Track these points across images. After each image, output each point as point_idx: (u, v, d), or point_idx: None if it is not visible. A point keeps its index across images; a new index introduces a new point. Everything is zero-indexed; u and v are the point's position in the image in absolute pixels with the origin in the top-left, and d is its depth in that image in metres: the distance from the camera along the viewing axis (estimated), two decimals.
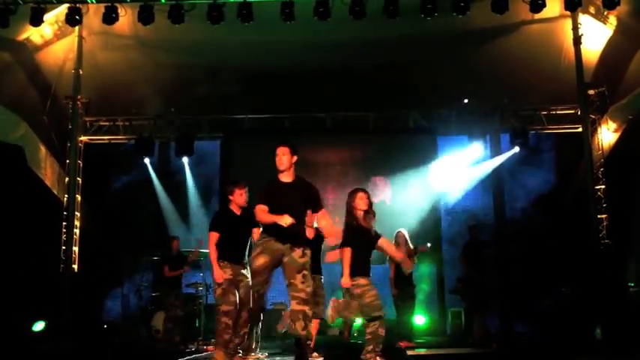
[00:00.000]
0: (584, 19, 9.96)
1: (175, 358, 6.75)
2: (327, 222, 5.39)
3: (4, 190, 9.41)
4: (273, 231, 5.06)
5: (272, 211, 5.03)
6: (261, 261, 5.09)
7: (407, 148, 11.33)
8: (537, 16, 9.42)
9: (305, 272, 5.06)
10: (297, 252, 5.08)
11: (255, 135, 11.29)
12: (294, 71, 10.37)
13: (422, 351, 7.83)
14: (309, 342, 5.36)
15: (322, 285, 6.61)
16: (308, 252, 5.16)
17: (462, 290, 9.15)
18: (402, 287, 8.40)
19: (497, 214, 11.01)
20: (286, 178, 5.21)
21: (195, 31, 9.50)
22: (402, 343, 8.05)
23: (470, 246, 9.15)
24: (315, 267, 6.18)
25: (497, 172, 11.15)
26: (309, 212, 5.37)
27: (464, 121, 11.16)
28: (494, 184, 11.23)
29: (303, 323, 4.96)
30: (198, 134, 11.45)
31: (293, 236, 5.05)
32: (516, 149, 10.90)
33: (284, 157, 5.16)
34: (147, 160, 11.43)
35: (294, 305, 5.02)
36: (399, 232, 8.44)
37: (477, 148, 11.12)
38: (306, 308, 4.99)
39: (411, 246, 8.37)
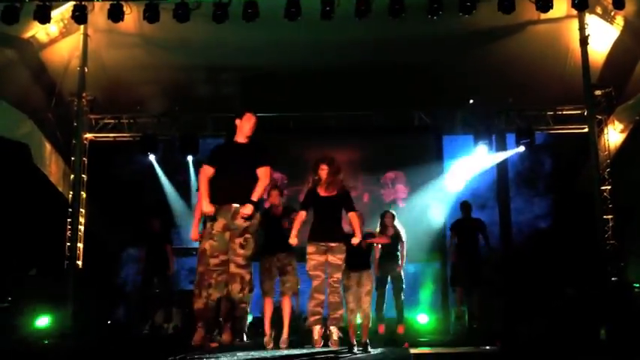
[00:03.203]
0: (590, 19, 9.91)
1: (177, 355, 6.72)
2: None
3: (9, 186, 9.44)
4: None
5: (218, 171, 5.13)
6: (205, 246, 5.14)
7: (411, 148, 11.30)
8: (543, 16, 9.38)
9: (247, 236, 5.00)
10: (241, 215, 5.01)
11: (259, 134, 11.22)
12: (298, 70, 10.35)
13: (424, 349, 7.81)
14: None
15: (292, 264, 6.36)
16: (256, 214, 5.09)
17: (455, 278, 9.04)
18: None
19: (501, 215, 10.97)
20: (241, 139, 5.46)
21: (200, 30, 9.49)
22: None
23: (459, 223, 9.02)
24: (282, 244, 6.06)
25: (502, 170, 11.10)
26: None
27: (469, 121, 11.12)
28: (499, 184, 11.21)
29: (239, 286, 4.97)
30: (203, 133, 11.45)
31: (236, 197, 5.04)
32: (521, 148, 10.83)
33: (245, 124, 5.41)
34: (152, 157, 11.40)
35: (233, 268, 4.99)
36: (387, 212, 8.47)
37: (482, 148, 11.07)
38: (243, 272, 4.97)
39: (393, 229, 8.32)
